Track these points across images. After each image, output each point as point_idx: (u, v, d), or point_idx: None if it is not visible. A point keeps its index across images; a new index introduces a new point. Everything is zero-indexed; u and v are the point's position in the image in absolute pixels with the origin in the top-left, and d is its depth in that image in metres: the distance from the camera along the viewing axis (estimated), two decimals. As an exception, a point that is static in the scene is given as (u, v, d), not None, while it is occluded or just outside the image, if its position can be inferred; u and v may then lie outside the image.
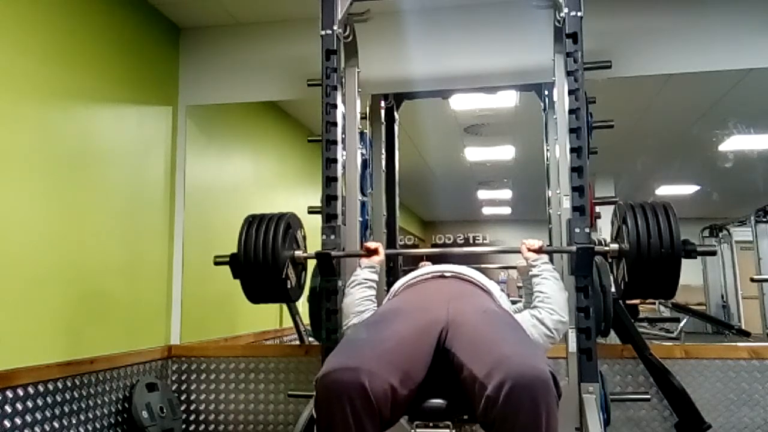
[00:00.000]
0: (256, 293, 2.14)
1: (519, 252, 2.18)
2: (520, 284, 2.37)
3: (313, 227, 2.36)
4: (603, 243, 2.16)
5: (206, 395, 3.09)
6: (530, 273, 2.11)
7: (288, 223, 2.14)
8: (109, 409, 2.66)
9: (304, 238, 2.28)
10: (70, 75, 2.53)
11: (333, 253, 2.24)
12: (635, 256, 1.85)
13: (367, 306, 2.05)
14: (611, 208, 2.12)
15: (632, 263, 1.87)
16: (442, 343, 1.64)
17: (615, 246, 2.02)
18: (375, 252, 2.22)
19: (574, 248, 2.11)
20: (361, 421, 1.44)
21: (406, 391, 1.53)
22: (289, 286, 2.13)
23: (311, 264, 2.30)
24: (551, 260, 2.19)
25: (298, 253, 2.20)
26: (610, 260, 2.13)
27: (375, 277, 2.16)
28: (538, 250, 2.13)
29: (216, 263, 2.17)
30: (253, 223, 2.12)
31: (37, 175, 2.34)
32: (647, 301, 5.63)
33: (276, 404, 3.02)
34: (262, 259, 2.05)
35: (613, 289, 2.26)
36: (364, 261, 2.20)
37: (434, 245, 8.17)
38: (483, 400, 1.44)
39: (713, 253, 2.01)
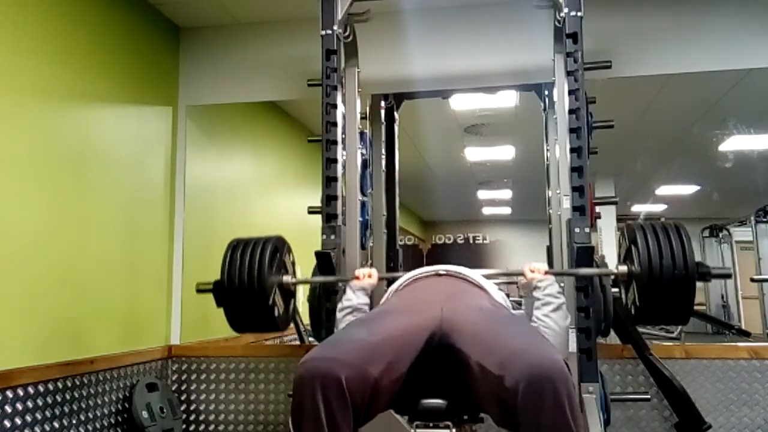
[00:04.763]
0: (240, 322, 2.03)
1: (522, 275, 2.07)
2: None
3: (313, 227, 2.35)
4: (602, 262, 2.11)
5: (206, 395, 3.09)
6: (534, 295, 1.99)
7: (275, 247, 2.02)
8: (109, 409, 2.66)
9: (293, 263, 2.17)
10: (70, 75, 2.53)
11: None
12: (647, 279, 1.75)
13: None
14: (611, 208, 2.11)
15: (644, 286, 1.77)
16: (436, 342, 1.64)
17: (624, 268, 1.89)
18: (368, 276, 2.11)
19: (579, 271, 2.07)
20: (331, 407, 1.44)
21: (386, 382, 1.53)
22: (276, 314, 2.01)
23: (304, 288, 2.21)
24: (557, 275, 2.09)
25: (287, 278, 2.08)
26: (618, 284, 2.02)
27: (367, 300, 2.07)
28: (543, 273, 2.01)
29: (198, 291, 2.07)
30: (238, 247, 2.01)
31: (37, 175, 2.33)
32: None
33: (276, 404, 3.02)
34: (247, 285, 1.95)
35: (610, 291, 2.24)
36: (356, 283, 2.09)
37: (434, 245, 8.18)
38: (501, 395, 1.43)
39: (728, 276, 1.93)
